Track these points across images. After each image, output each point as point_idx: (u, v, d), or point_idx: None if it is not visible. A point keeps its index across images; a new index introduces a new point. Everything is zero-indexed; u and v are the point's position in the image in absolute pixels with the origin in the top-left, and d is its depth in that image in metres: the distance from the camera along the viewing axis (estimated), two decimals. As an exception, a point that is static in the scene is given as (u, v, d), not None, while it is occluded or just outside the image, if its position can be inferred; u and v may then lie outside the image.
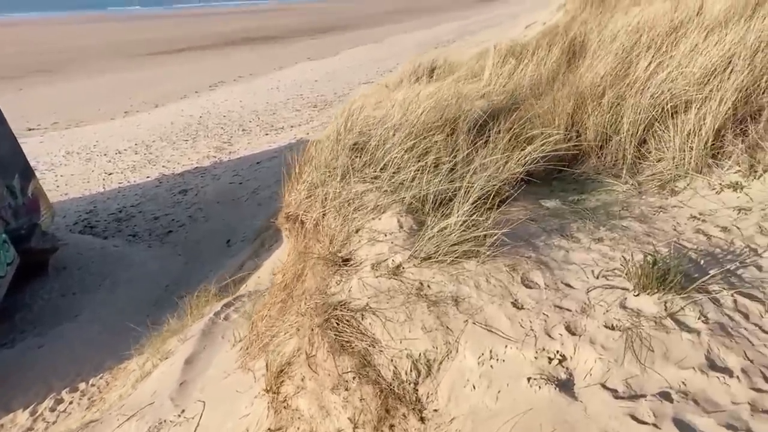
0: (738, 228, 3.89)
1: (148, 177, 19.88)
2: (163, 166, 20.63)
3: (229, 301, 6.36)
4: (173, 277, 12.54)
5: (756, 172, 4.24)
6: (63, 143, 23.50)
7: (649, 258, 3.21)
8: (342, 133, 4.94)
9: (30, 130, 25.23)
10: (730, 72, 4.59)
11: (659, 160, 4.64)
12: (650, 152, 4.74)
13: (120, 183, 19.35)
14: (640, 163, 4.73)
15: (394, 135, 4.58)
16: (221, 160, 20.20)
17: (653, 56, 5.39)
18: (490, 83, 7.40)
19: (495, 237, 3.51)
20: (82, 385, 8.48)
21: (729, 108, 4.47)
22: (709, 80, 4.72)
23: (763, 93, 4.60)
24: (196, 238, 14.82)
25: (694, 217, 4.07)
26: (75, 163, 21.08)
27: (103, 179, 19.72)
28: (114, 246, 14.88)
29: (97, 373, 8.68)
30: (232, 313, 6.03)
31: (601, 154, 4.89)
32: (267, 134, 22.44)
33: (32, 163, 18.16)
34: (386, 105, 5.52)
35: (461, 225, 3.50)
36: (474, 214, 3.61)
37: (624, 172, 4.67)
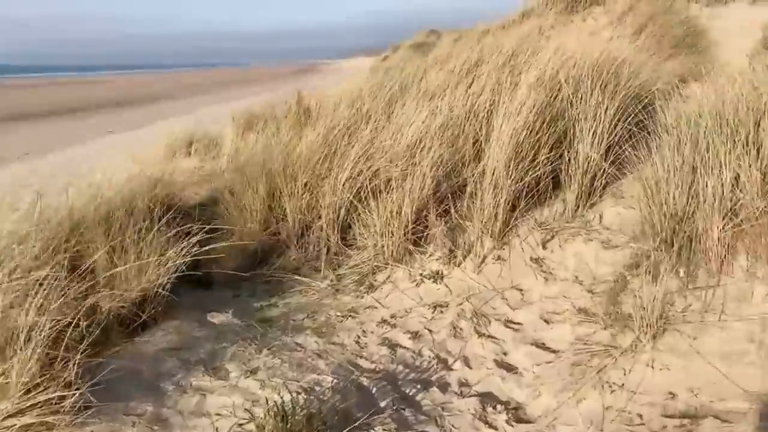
0: (430, 332, 3.23)
1: None
2: None
3: None
4: None
5: (456, 258, 3.68)
6: None
7: (280, 406, 2.33)
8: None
9: None
10: (430, 148, 4.09)
11: (363, 249, 3.94)
12: (355, 239, 4.05)
13: None
14: (344, 252, 4.00)
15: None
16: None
17: (370, 127, 4.84)
18: (229, 158, 6.52)
19: (81, 394, 2.43)
20: None
21: (429, 184, 3.93)
22: (413, 154, 4.20)
23: (466, 166, 4.16)
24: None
25: (385, 321, 3.35)
26: None
27: None
28: None
29: None
30: None
31: (301, 244, 4.10)
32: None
33: None
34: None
35: (24, 384, 2.37)
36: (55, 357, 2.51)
37: (323, 265, 3.91)
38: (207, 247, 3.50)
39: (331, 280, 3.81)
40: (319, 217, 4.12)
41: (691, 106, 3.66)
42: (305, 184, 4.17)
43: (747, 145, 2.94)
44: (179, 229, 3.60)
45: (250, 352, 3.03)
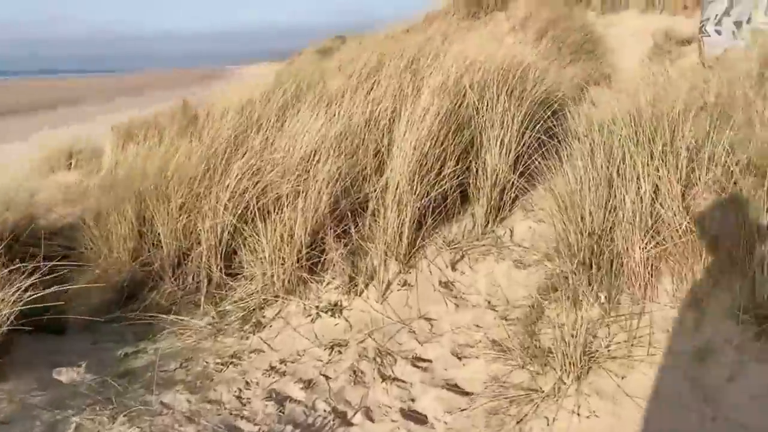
0: (327, 378, 2.76)
1: None
2: None
3: None
4: None
5: (357, 286, 3.24)
6: None
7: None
8: None
9: None
10: (327, 160, 3.64)
11: (251, 279, 3.42)
12: (242, 267, 3.51)
13: None
14: (228, 284, 3.46)
15: None
16: None
17: (260, 137, 4.30)
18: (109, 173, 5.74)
19: None
20: None
21: (326, 201, 3.47)
22: (308, 168, 3.72)
23: (367, 180, 3.74)
24: None
25: (274, 367, 2.85)
26: None
27: None
28: None
29: None
30: None
31: (178, 275, 3.52)
32: None
33: None
34: None
35: None
36: None
37: (203, 300, 3.35)
38: (52, 288, 2.85)
39: (213, 317, 3.26)
40: (199, 243, 3.55)
41: (602, 112, 3.44)
42: (181, 206, 3.59)
43: (666, 155, 2.70)
44: (19, 265, 2.94)
45: (101, 420, 2.43)
